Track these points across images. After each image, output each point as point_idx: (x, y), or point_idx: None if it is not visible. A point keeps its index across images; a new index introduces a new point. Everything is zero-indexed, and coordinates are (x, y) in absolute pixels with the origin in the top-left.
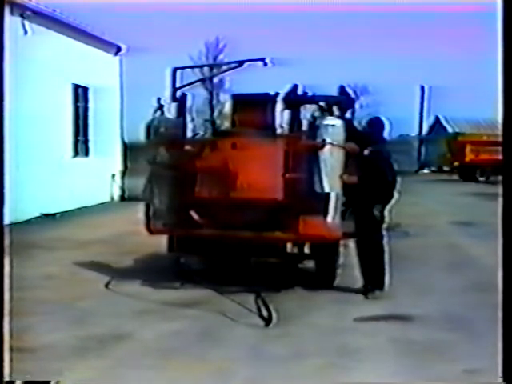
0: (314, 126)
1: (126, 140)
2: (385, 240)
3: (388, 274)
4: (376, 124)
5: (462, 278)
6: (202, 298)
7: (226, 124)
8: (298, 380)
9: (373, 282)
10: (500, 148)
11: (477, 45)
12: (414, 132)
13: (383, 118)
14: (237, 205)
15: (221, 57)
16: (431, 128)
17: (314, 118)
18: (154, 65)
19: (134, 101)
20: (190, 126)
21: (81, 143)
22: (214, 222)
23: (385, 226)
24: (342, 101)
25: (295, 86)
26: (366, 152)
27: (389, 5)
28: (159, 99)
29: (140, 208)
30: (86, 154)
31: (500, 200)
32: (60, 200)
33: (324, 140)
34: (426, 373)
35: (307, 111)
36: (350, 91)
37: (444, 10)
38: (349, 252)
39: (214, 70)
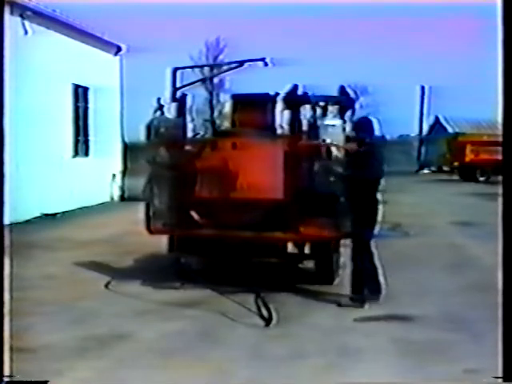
0: (314, 126)
1: (126, 140)
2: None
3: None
4: (364, 124)
5: (462, 277)
6: (202, 298)
7: (226, 124)
8: (298, 380)
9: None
10: (500, 148)
11: (477, 45)
12: (414, 132)
13: (371, 118)
14: (237, 205)
15: (221, 57)
16: (431, 128)
17: (314, 118)
18: (154, 65)
19: (134, 101)
20: (190, 126)
21: (81, 143)
22: (214, 222)
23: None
24: (342, 101)
25: (295, 86)
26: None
27: (389, 4)
28: (159, 99)
29: (140, 208)
30: (86, 153)
31: (500, 200)
32: (60, 200)
33: (324, 140)
34: (426, 372)
35: (307, 111)
36: (350, 91)
37: (444, 10)
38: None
39: (215, 70)
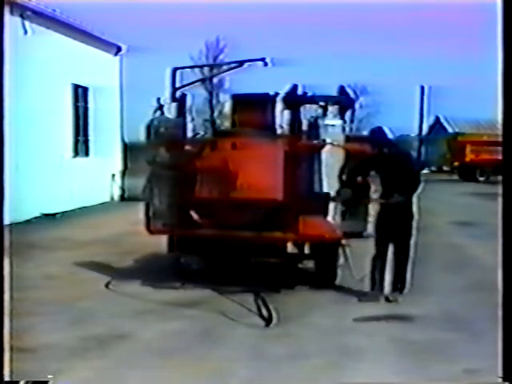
0: (314, 126)
1: (126, 140)
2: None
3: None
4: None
5: (461, 277)
6: (202, 298)
7: (226, 124)
8: (298, 380)
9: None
10: (500, 148)
11: (476, 44)
12: (414, 132)
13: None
14: (237, 205)
15: (221, 57)
16: (431, 128)
17: (314, 118)
18: (154, 65)
19: (134, 101)
20: (190, 125)
21: (81, 143)
22: (214, 222)
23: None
24: (342, 101)
25: (295, 86)
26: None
27: (389, 4)
28: (159, 99)
29: (140, 208)
30: (86, 153)
31: (500, 200)
32: (60, 200)
33: (324, 140)
34: (425, 372)
35: (307, 111)
36: (350, 91)
37: (444, 10)
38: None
39: (214, 70)
